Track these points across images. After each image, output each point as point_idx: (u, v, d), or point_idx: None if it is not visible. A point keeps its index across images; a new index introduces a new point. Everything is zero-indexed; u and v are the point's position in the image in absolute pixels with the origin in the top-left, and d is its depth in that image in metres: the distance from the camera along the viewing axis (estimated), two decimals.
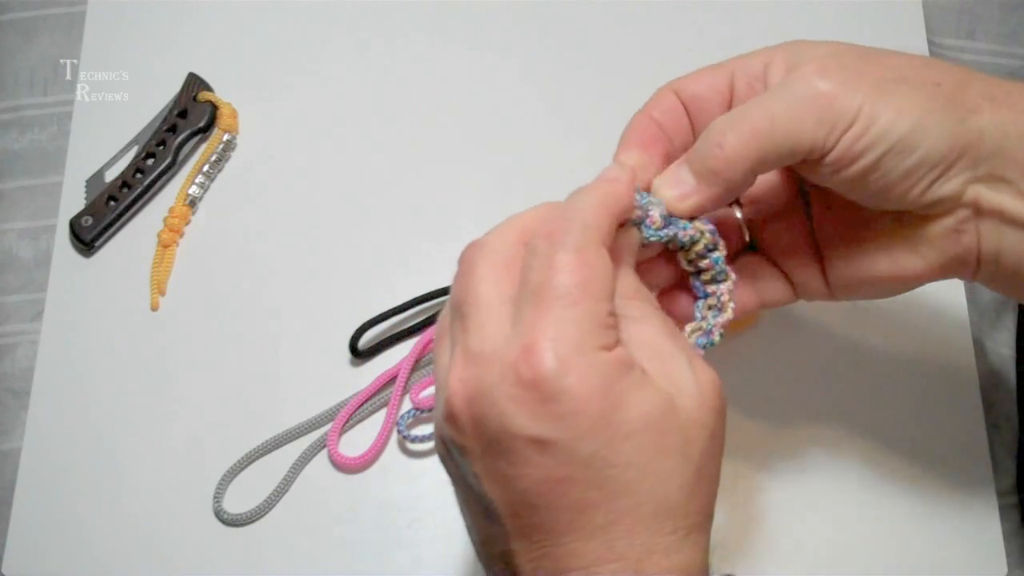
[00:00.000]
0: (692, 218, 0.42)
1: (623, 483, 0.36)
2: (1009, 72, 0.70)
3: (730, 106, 0.44)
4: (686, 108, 0.45)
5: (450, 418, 0.37)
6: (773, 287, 0.47)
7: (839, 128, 0.40)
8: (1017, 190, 0.41)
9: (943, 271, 0.44)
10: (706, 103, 0.44)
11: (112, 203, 0.64)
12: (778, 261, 0.47)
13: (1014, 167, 0.41)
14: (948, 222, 0.43)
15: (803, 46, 0.43)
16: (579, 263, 0.37)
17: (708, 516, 0.38)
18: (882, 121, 0.40)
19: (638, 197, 0.41)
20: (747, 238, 0.48)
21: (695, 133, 0.45)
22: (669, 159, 0.44)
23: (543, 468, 0.36)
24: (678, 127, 0.45)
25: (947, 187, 0.41)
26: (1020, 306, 0.61)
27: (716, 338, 0.44)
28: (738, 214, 0.47)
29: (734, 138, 0.40)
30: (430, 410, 0.57)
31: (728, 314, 0.44)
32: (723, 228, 0.45)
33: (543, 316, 0.36)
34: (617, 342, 0.37)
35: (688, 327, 0.45)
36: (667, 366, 0.38)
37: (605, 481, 0.36)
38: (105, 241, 0.64)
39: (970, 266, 0.44)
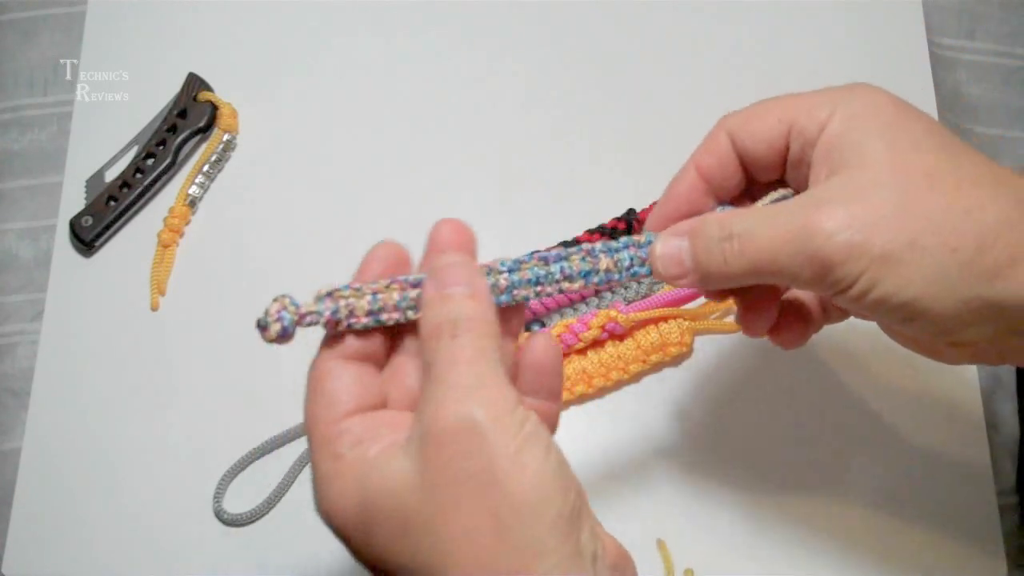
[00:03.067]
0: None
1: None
2: (1009, 72, 0.70)
3: (784, 164, 0.44)
4: (740, 158, 0.45)
5: None
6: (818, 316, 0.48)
7: (837, 287, 0.40)
8: None
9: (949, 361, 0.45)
10: (761, 160, 0.44)
11: (112, 203, 0.64)
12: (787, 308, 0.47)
13: None
14: (964, 349, 0.43)
15: (866, 113, 0.42)
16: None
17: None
18: (882, 289, 0.39)
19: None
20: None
21: (747, 179, 0.46)
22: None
23: None
24: (726, 177, 0.46)
25: (960, 337, 0.41)
26: None
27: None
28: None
29: (737, 260, 0.41)
30: None
31: None
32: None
33: None
34: (341, 457, 0.38)
35: None
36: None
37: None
38: (105, 241, 0.64)
39: (990, 362, 0.44)
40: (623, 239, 0.44)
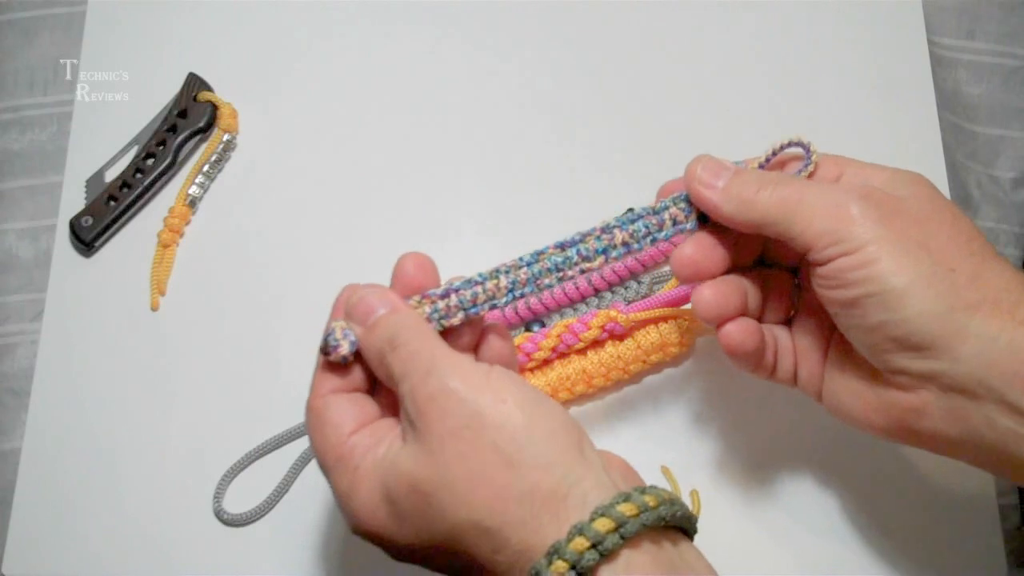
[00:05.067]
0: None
1: None
2: (1009, 72, 0.70)
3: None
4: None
5: None
6: (784, 365, 0.50)
7: (838, 248, 0.42)
8: (1001, 399, 0.41)
9: (906, 439, 0.46)
10: None
11: (112, 203, 0.64)
12: (796, 346, 0.50)
13: (999, 375, 0.41)
14: (912, 399, 0.44)
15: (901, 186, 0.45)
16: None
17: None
18: (878, 267, 0.42)
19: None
20: (792, 311, 0.51)
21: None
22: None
23: None
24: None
25: (914, 365, 0.43)
26: None
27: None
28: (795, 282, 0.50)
29: (768, 194, 0.45)
30: None
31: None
32: (777, 288, 0.50)
33: None
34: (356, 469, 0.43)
35: None
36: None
37: None
38: (105, 241, 0.64)
39: (938, 447, 0.45)
40: (638, 209, 0.47)
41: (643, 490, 0.40)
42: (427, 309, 0.44)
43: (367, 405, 0.44)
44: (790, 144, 0.47)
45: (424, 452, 0.40)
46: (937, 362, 0.42)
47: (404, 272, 0.45)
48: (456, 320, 0.44)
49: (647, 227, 0.47)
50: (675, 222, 0.47)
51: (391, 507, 0.41)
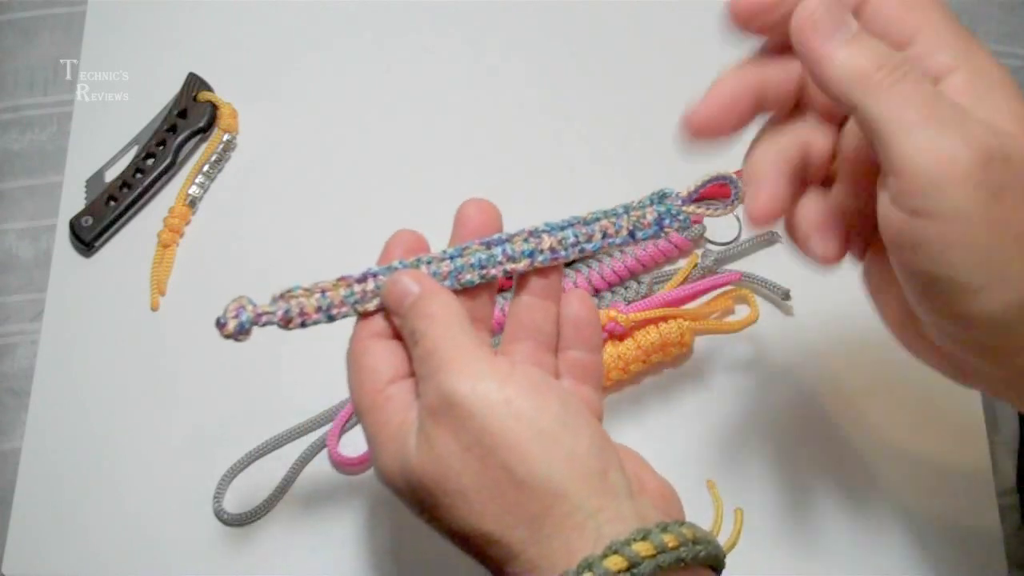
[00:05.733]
0: None
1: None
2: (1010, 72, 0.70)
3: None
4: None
5: None
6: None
7: (921, 203, 0.35)
8: None
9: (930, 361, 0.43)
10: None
11: (112, 203, 0.64)
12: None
13: None
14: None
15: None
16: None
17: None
18: (954, 253, 0.35)
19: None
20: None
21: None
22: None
23: None
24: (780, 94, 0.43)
25: (983, 366, 0.39)
26: None
27: None
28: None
29: (890, 82, 0.36)
30: None
31: None
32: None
33: None
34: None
35: None
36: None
37: None
38: (105, 241, 0.64)
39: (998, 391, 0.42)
40: (569, 218, 0.46)
41: (665, 527, 0.37)
42: (342, 292, 0.43)
43: (406, 358, 0.42)
44: (718, 177, 0.46)
45: (433, 459, 0.39)
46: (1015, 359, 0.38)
47: (468, 218, 0.44)
48: (370, 306, 0.43)
49: (576, 236, 0.45)
50: (604, 235, 0.46)
51: (405, 484, 0.40)
